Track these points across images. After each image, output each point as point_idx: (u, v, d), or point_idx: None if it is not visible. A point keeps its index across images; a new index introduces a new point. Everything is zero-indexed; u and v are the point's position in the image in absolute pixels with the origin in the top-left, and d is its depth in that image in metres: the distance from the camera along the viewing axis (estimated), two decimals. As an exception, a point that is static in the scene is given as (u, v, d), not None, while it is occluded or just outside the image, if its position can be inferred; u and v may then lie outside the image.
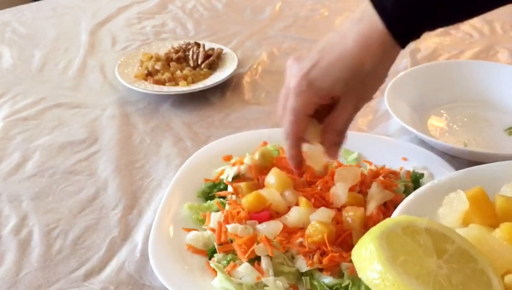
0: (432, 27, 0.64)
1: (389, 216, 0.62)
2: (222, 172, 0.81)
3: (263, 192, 0.73)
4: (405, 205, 0.61)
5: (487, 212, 0.58)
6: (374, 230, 0.51)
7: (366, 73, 0.64)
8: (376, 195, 0.72)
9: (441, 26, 0.64)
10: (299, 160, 0.74)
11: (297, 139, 0.71)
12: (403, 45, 0.63)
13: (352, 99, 0.67)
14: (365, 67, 0.63)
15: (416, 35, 0.63)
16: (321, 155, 0.74)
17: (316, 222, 0.67)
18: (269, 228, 0.68)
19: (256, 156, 0.79)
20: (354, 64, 0.63)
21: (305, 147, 0.74)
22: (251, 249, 0.65)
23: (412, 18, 0.61)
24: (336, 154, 0.73)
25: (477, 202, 0.58)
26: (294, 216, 0.69)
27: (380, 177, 0.77)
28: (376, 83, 0.67)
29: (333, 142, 0.71)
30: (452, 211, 0.59)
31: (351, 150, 0.84)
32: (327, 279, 0.63)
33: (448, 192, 0.61)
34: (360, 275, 0.50)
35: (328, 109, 0.69)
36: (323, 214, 0.69)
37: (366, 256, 0.49)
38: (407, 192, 0.74)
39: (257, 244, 0.66)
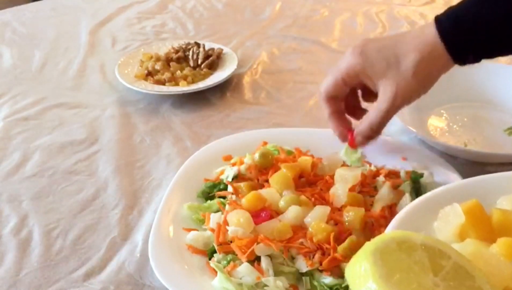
0: (480, 48, 0.70)
1: (392, 217, 0.61)
2: (222, 172, 0.81)
3: (262, 192, 0.73)
4: (400, 218, 0.60)
5: (484, 226, 0.57)
6: (369, 246, 0.50)
7: (408, 63, 0.69)
8: (385, 197, 0.72)
9: (490, 49, 0.71)
10: (341, 122, 0.79)
11: (331, 97, 0.77)
12: (451, 52, 0.69)
13: (391, 84, 0.70)
14: (410, 56, 0.69)
15: (466, 49, 0.69)
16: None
17: (320, 221, 0.67)
18: (269, 228, 0.68)
19: (256, 156, 0.79)
20: (402, 47, 0.70)
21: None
22: (250, 249, 0.65)
23: (463, 32, 0.68)
24: (359, 144, 0.78)
25: (473, 215, 0.57)
26: (291, 214, 0.69)
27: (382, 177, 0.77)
28: (419, 81, 0.70)
29: (363, 133, 0.76)
30: (448, 225, 0.58)
31: (353, 150, 0.84)
32: (327, 279, 0.63)
33: (443, 204, 0.59)
34: None
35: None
36: (319, 212, 0.69)
37: (361, 273, 0.48)
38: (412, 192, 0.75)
39: (257, 244, 0.66)
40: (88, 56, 1.27)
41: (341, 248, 0.65)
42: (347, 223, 0.68)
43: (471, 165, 0.84)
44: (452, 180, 0.75)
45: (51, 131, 1.00)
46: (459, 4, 0.70)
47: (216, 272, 0.65)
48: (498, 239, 0.54)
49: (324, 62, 1.22)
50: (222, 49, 1.21)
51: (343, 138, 0.79)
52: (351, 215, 0.68)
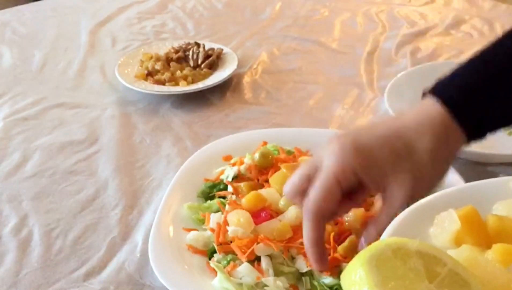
0: (493, 123, 0.62)
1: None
2: (222, 172, 0.81)
3: (262, 192, 0.73)
4: (395, 224, 0.59)
5: (479, 232, 0.56)
6: (364, 253, 0.49)
7: (423, 149, 0.58)
8: None
9: (503, 120, 0.62)
10: (323, 249, 0.59)
11: (322, 218, 0.58)
12: (465, 128, 0.60)
13: (407, 179, 0.58)
14: (422, 140, 0.58)
15: (478, 125, 0.61)
16: None
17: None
18: (269, 228, 0.68)
19: (256, 156, 0.79)
20: (410, 133, 0.58)
21: None
22: (250, 249, 0.65)
23: (474, 104, 0.59)
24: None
25: (469, 221, 0.56)
26: (291, 214, 0.69)
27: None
28: (436, 168, 0.60)
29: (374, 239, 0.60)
30: (444, 231, 0.57)
31: None
32: (327, 279, 0.63)
33: (438, 210, 0.59)
34: None
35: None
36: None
37: (356, 281, 0.47)
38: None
39: (257, 244, 0.66)
40: (88, 56, 1.27)
41: (341, 248, 0.65)
42: (347, 223, 0.68)
43: (471, 165, 0.84)
44: (452, 180, 0.75)
45: (51, 131, 1.00)
46: (451, 74, 0.63)
47: (216, 272, 0.65)
48: (494, 245, 0.53)
49: (324, 62, 1.23)
50: (222, 49, 1.21)
51: (325, 267, 0.61)
52: (351, 215, 0.68)
